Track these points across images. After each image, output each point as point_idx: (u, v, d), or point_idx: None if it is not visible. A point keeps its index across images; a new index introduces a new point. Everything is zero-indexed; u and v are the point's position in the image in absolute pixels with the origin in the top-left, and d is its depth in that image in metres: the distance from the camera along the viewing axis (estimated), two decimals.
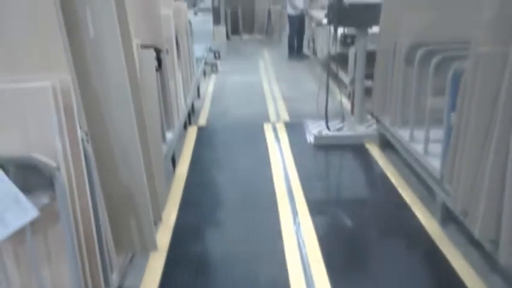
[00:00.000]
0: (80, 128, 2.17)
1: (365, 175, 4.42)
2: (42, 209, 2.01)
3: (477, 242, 2.95)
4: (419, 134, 3.89)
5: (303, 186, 4.09)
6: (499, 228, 2.61)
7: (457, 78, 3.13)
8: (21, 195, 1.94)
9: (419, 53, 3.89)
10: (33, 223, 2.01)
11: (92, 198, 2.21)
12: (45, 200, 2.06)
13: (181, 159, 4.81)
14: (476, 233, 2.76)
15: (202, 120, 6.18)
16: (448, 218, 3.38)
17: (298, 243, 3.25)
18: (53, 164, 1.98)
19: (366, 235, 3.38)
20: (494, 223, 2.66)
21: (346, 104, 6.22)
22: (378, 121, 5.01)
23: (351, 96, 5.98)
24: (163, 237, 3.34)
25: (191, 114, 6.13)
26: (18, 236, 2.03)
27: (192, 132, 5.66)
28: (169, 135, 4.24)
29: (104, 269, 2.28)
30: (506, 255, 2.52)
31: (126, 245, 2.60)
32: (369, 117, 5.35)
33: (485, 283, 2.77)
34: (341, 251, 3.19)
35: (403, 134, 4.22)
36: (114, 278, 2.43)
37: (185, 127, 5.65)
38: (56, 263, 2.13)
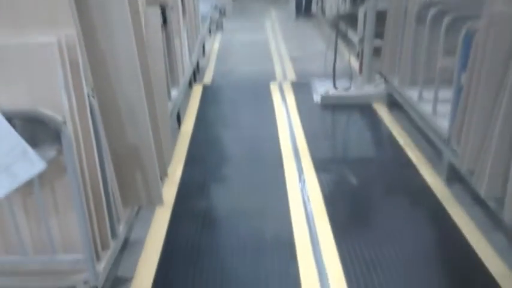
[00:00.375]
0: (86, 83, 2.16)
1: (372, 135, 4.41)
2: (50, 162, 2.03)
3: (482, 201, 2.96)
4: (428, 94, 3.86)
5: (308, 145, 4.10)
6: (504, 188, 2.62)
7: (469, 39, 3.07)
8: (29, 148, 1.96)
9: (431, 12, 3.80)
10: (40, 176, 2.03)
11: (98, 152, 2.22)
12: (52, 153, 2.08)
13: (187, 116, 4.80)
14: (482, 192, 2.77)
15: (207, 78, 6.14)
16: (453, 177, 3.39)
17: (303, 200, 3.28)
18: (59, 118, 1.98)
19: (371, 192, 3.39)
20: (501, 182, 2.67)
21: (355, 63, 6.14)
22: (386, 81, 4.95)
23: (359, 56, 5.89)
24: (169, 192, 3.38)
25: (196, 73, 6.09)
26: (27, 187, 2.06)
27: (197, 90, 5.64)
28: (174, 93, 4.22)
29: (111, 221, 2.32)
30: (510, 214, 2.53)
31: (133, 199, 2.63)
32: (378, 77, 5.29)
33: (488, 240, 2.79)
34: (346, 207, 3.22)
35: (412, 94, 4.18)
36: (121, 229, 2.48)
37: (190, 85, 5.62)
38: (64, 215, 2.16)
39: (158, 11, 3.48)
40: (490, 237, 2.82)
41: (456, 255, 2.71)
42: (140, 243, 2.88)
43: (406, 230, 2.94)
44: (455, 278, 2.53)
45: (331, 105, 5.02)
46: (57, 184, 2.18)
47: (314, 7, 10.32)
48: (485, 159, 2.78)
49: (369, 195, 3.36)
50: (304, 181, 3.52)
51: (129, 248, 2.85)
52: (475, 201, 3.15)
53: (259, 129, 4.49)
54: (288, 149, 4.04)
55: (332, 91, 5.14)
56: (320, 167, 3.72)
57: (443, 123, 3.50)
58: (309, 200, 3.28)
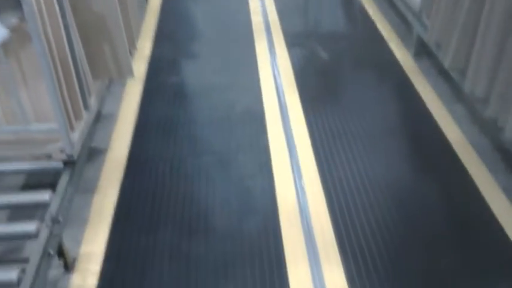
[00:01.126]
0: None
1: (344, 10, 4.33)
2: (13, 31, 1.96)
3: (447, 75, 3.05)
4: None
5: (280, 20, 4.02)
6: (468, 60, 2.68)
7: None
8: None
9: None
10: (4, 46, 1.98)
11: (63, 20, 2.14)
12: (13, 20, 2.00)
13: None
14: (447, 63, 2.84)
15: None
16: (422, 52, 3.44)
17: (274, 74, 3.30)
18: None
19: (340, 67, 3.43)
20: (464, 55, 2.73)
21: None
22: None
23: None
24: (139, 67, 3.35)
25: None
26: None
27: None
28: None
29: (82, 92, 2.31)
30: (471, 84, 2.63)
31: (102, 72, 2.60)
32: None
33: (449, 111, 2.93)
34: (315, 81, 3.27)
35: None
36: (93, 101, 2.48)
37: None
38: (34, 85, 2.15)
39: None
40: (451, 108, 2.96)
41: (418, 124, 2.85)
42: (113, 117, 2.91)
43: (372, 103, 3.04)
44: (415, 144, 2.69)
45: None
46: (23, 54, 2.13)
47: None
48: (452, 32, 2.80)
49: (338, 70, 3.41)
50: (275, 56, 3.52)
51: (102, 121, 2.88)
52: (441, 75, 3.24)
53: (229, 4, 4.35)
54: (260, 24, 3.97)
55: None
56: (291, 42, 3.70)
57: None
58: (279, 74, 3.31)
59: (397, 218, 2.22)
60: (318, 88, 3.20)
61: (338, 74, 3.36)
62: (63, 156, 2.16)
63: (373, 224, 2.19)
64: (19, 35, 2.03)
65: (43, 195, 1.99)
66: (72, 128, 2.21)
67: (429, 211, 2.26)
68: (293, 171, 2.51)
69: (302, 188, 2.40)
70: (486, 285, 1.93)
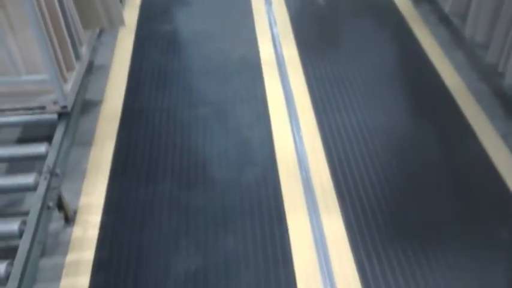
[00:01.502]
0: None
1: None
2: None
3: (447, 21, 2.98)
4: None
5: None
6: (468, 5, 2.62)
7: None
8: None
9: None
10: None
11: None
12: None
13: None
14: (447, 7, 2.77)
15: None
16: None
17: (270, 22, 3.21)
18: None
19: (338, 14, 3.34)
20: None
21: None
22: None
23: None
24: (131, 16, 3.24)
25: None
26: None
27: None
28: None
29: (73, 42, 2.24)
30: (472, 29, 2.57)
31: (92, 21, 2.50)
32: None
33: (449, 58, 2.87)
34: (312, 29, 3.18)
35: None
36: (84, 51, 2.41)
37: None
38: (23, 38, 2.06)
39: None
40: (451, 55, 2.90)
41: (417, 71, 2.80)
42: (106, 68, 2.84)
43: (371, 50, 2.97)
44: (414, 92, 2.66)
45: None
46: (10, 4, 2.03)
47: None
48: None
49: (335, 17, 3.32)
50: (270, 3, 3.41)
51: (95, 73, 2.82)
52: (441, 22, 3.16)
53: None
54: None
55: None
56: None
57: None
58: (275, 21, 3.22)
59: (395, 167, 2.22)
60: (315, 36, 3.12)
61: (335, 21, 3.27)
62: (57, 108, 2.12)
63: (371, 172, 2.20)
64: None
65: (39, 148, 1.97)
66: (64, 79, 2.15)
67: (427, 159, 2.26)
68: (291, 122, 2.49)
69: (300, 139, 2.38)
70: (484, 232, 1.96)
